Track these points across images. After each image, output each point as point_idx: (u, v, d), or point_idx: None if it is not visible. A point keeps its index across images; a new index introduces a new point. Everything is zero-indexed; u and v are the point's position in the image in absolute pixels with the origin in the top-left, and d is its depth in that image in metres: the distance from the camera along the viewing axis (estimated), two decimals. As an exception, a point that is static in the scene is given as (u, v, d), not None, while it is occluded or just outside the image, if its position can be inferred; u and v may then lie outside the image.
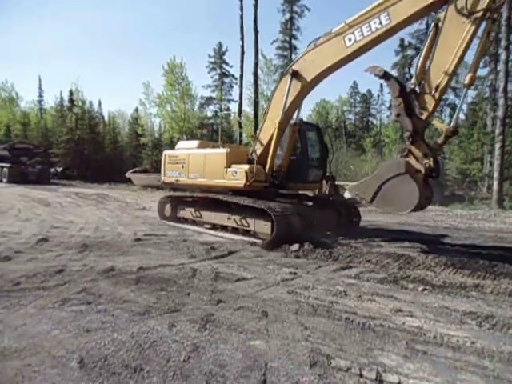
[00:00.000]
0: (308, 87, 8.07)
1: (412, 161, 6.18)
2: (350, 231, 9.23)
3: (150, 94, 38.00)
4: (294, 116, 8.98)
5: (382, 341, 3.42)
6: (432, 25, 6.33)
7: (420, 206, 6.31)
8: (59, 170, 37.25)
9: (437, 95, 6.03)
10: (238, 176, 8.56)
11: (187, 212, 10.11)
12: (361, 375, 2.80)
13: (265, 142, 8.79)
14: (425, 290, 4.92)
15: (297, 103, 8.52)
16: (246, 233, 8.28)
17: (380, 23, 6.49)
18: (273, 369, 2.84)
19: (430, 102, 6.10)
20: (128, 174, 27.64)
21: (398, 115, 6.32)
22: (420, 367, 2.96)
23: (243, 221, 8.30)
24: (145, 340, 3.24)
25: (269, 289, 4.81)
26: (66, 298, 4.17)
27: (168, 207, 10.79)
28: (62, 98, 48.20)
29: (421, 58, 6.41)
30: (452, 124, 6.15)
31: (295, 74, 7.97)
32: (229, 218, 8.66)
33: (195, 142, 10.57)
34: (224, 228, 8.89)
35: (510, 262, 6.64)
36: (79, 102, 41.50)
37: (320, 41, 7.57)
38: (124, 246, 7.11)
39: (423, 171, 6.07)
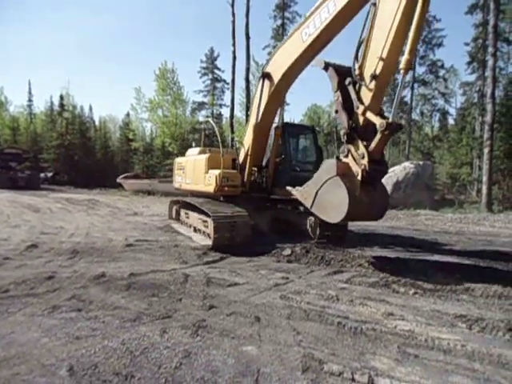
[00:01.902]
0: (278, 89, 7.82)
1: (351, 162, 5.51)
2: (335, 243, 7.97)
3: (142, 98, 37.83)
4: (277, 119, 8.88)
5: (374, 345, 3.43)
6: (370, 4, 5.48)
7: (358, 215, 5.63)
8: (49, 175, 36.87)
9: (372, 85, 5.29)
10: (211, 181, 8.58)
11: (182, 214, 10.40)
12: (353, 379, 2.81)
13: (246, 146, 8.79)
14: (416, 293, 4.96)
15: (272, 106, 8.32)
16: (208, 236, 8.00)
17: (328, 11, 6.08)
18: (265, 374, 2.83)
19: (366, 95, 5.42)
20: (119, 180, 27.51)
21: (336, 111, 5.81)
22: (411, 371, 2.98)
23: (204, 223, 8.22)
24: (136, 347, 3.21)
25: (261, 294, 4.80)
26: (55, 305, 4.11)
27: (173, 209, 11.41)
28: (52, 103, 47.83)
29: (362, 45, 5.56)
30: (390, 118, 5.12)
31: (267, 76, 7.88)
32: (198, 220, 8.68)
33: (197, 149, 10.50)
34: (199, 230, 8.83)
35: (499, 265, 6.74)
36: (70, 107, 41.24)
37: (284, 39, 7.50)
38: (115, 251, 7.05)
39: (359, 175, 5.34)
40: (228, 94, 41.45)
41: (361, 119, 5.48)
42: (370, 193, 5.45)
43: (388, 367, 3.02)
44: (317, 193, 5.78)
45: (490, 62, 20.47)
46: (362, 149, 5.35)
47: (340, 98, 5.69)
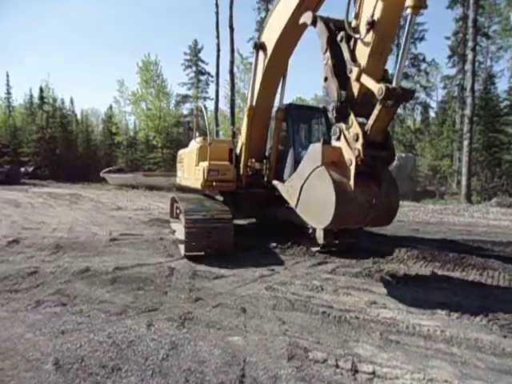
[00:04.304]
0: (274, 62, 6.55)
1: (343, 146, 4.11)
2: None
3: (125, 91, 37.25)
4: (277, 102, 7.55)
5: (358, 332, 3.52)
6: None
7: (350, 219, 4.20)
8: (30, 169, 35.97)
9: (369, 37, 3.81)
10: (199, 175, 7.45)
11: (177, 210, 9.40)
12: (337, 366, 2.89)
13: (243, 135, 7.55)
14: (398, 282, 5.08)
15: (269, 84, 7.01)
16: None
17: None
18: (251, 363, 2.89)
19: (362, 52, 3.96)
20: (102, 174, 27.08)
21: (325, 79, 4.33)
22: (393, 356, 3.08)
23: None
24: (122, 340, 3.21)
25: (247, 285, 4.85)
26: (39, 300, 4.08)
27: (174, 206, 10.01)
28: (31, 96, 46.53)
29: None
30: (394, 82, 3.69)
31: (261, 47, 6.69)
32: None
33: (199, 139, 8.61)
34: None
35: (477, 254, 6.95)
36: (50, 100, 40.18)
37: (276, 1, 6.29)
38: (99, 246, 6.98)
39: (353, 162, 3.95)
40: (212, 86, 41.09)
41: (355, 87, 4.05)
42: (368, 189, 4.07)
43: (371, 353, 3.11)
44: (301, 188, 4.51)
45: (470, 56, 20.87)
46: (356, 127, 3.93)
47: (330, 61, 4.25)
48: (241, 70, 35.31)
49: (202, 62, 47.60)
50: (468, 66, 21.23)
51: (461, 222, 12.08)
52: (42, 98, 39.77)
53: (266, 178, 7.51)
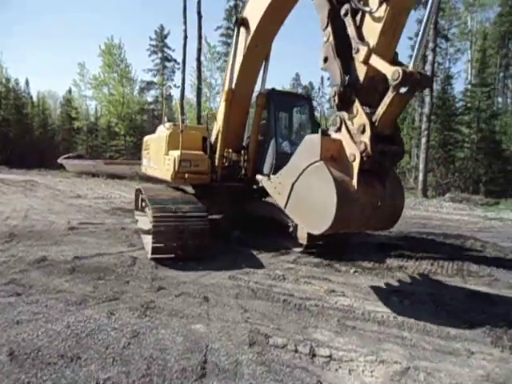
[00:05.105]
0: (257, 40, 5.89)
1: (345, 139, 3.52)
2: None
3: (86, 75, 35.68)
4: (258, 87, 6.82)
5: (316, 319, 3.67)
6: None
7: (352, 223, 3.59)
8: (-21, 154, 33.77)
9: (381, 12, 3.21)
10: (169, 165, 6.63)
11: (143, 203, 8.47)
12: (296, 351, 3.00)
13: (219, 122, 6.81)
14: (356, 272, 5.31)
15: (251, 66, 6.31)
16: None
17: None
18: (213, 350, 2.94)
19: (371, 28, 3.37)
20: (60, 160, 25.92)
21: (325, 59, 3.70)
22: (349, 341, 3.24)
23: None
24: (82, 329, 3.16)
25: (210, 275, 4.87)
26: (-9, 291, 3.90)
27: (139, 198, 8.94)
28: (-19, 75, 43.47)
29: None
30: (411, 65, 3.15)
31: (243, 24, 5.99)
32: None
33: (168, 124, 7.73)
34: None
35: (430, 245, 7.38)
36: (3, 80, 37.74)
37: None
38: (57, 235, 6.73)
39: (357, 159, 3.35)
40: (179, 74, 40.17)
41: (362, 70, 3.46)
42: (372, 189, 3.54)
43: (328, 338, 3.26)
44: (293, 186, 3.89)
45: (430, 57, 21.73)
46: (362, 117, 3.36)
47: (331, 38, 3.66)
48: (208, 59, 34.88)
49: (169, 48, 46.29)
50: (428, 67, 22.06)
51: (416, 216, 12.68)
52: (-7, 77, 37.29)
53: (243, 171, 6.92)
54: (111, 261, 5.23)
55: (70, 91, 42.45)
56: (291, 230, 6.26)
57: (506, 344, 3.30)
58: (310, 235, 5.79)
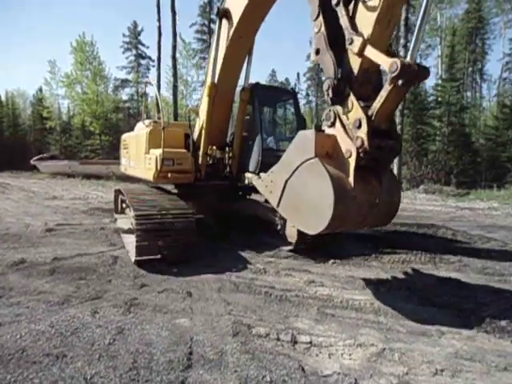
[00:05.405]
0: (240, 32, 5.67)
1: (339, 134, 3.41)
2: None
3: (57, 73, 34.76)
4: (242, 82, 6.64)
5: (297, 309, 3.81)
6: None
7: (348, 221, 3.47)
8: None
9: (376, 0, 3.10)
10: (151, 164, 6.35)
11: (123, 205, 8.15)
12: (278, 339, 3.13)
13: (202, 118, 6.53)
14: (334, 263, 5.49)
15: (234, 59, 6.09)
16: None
17: None
18: (198, 342, 3.02)
19: (365, 18, 3.22)
20: (33, 161, 25.23)
21: (317, 51, 3.56)
22: (328, 327, 3.39)
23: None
24: (66, 328, 3.18)
25: (193, 271, 4.93)
26: (-30, 294, 3.85)
27: (119, 199, 8.67)
28: None
29: None
30: (408, 57, 3.01)
31: (225, 15, 5.79)
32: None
33: (147, 121, 7.48)
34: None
35: (404, 235, 7.67)
36: (-32, 79, 36.28)
37: None
38: (34, 237, 6.62)
39: (353, 155, 3.27)
40: (154, 71, 39.63)
41: (356, 62, 3.34)
42: (369, 186, 3.45)
43: (309, 326, 3.40)
44: (286, 184, 3.74)
45: (401, 53, 22.29)
46: (358, 111, 3.26)
47: (323, 28, 3.53)
48: (183, 56, 34.56)
49: (143, 45, 45.57)
50: (400, 62, 22.65)
51: (391, 208, 13.06)
52: (-42, 76, 35.74)
53: (228, 168, 6.81)
54: (92, 260, 5.22)
55: (40, 90, 41.20)
56: (279, 227, 6.08)
57: (474, 324, 3.52)
58: (299, 233, 5.57)
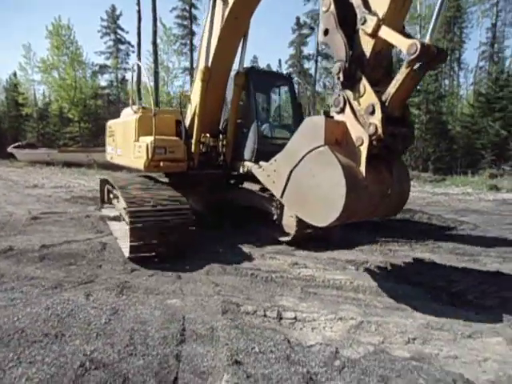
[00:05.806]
0: (235, 13, 5.37)
1: (349, 121, 3.20)
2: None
3: (32, 57, 33.67)
4: (236, 65, 6.32)
5: (282, 288, 4.04)
6: None
7: (360, 212, 3.33)
8: None
9: None
10: (141, 152, 6.03)
11: (111, 195, 7.86)
12: (265, 315, 3.35)
13: (194, 103, 6.29)
14: (315, 246, 5.72)
15: (229, 42, 5.81)
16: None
17: None
18: (190, 319, 3.22)
19: None
20: (10, 149, 24.58)
21: (325, 32, 3.31)
22: (311, 304, 3.64)
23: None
24: (62, 310, 3.31)
25: (182, 255, 5.09)
26: (-38, 281, 3.92)
27: (105, 189, 8.39)
28: None
29: None
30: (427, 39, 2.86)
31: None
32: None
33: (135, 107, 7.07)
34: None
35: (382, 219, 8.00)
36: None
37: None
38: (19, 225, 6.62)
39: (365, 143, 3.06)
40: (133, 57, 38.82)
41: (369, 43, 3.11)
42: (380, 175, 3.30)
43: (293, 304, 3.64)
44: (291, 174, 3.49)
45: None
46: (371, 97, 3.05)
47: (332, 7, 3.26)
48: (164, 42, 33.95)
49: (122, 30, 44.34)
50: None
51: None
52: None
53: (222, 156, 6.62)
54: (81, 247, 5.31)
55: (15, 75, 39.79)
56: (275, 217, 5.84)
57: (444, 299, 3.84)
58: (299, 223, 5.30)
